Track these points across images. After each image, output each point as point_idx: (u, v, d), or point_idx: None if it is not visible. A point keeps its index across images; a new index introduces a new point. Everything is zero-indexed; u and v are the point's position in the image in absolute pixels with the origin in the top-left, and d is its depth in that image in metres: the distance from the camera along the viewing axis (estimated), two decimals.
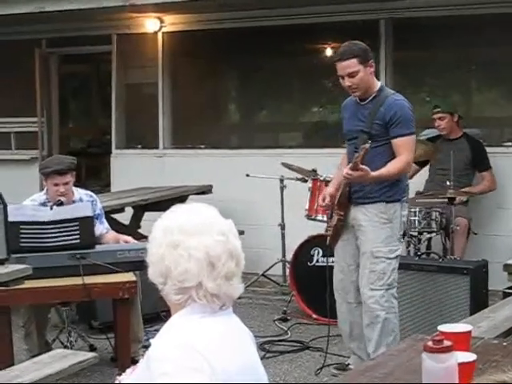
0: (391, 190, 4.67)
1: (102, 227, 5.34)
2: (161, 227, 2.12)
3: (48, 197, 5.19)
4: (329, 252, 5.17)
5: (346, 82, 4.66)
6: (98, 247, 4.99)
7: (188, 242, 2.06)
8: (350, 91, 4.74)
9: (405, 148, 4.63)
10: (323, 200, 4.88)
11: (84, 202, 5.25)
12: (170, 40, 8.55)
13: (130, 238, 5.28)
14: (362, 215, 4.71)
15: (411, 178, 6.68)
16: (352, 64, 4.61)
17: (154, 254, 2.11)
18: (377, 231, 4.66)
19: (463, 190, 6.44)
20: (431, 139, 6.84)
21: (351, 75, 4.62)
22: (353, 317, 4.89)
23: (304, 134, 8.84)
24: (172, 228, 2.09)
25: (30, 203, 5.17)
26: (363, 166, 4.42)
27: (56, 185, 5.10)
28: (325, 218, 5.48)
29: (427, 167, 6.92)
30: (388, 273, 4.67)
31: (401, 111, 4.63)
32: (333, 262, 5.03)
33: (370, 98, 4.71)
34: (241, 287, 2.14)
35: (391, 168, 4.61)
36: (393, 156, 4.65)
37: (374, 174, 4.51)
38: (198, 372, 1.95)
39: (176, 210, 2.17)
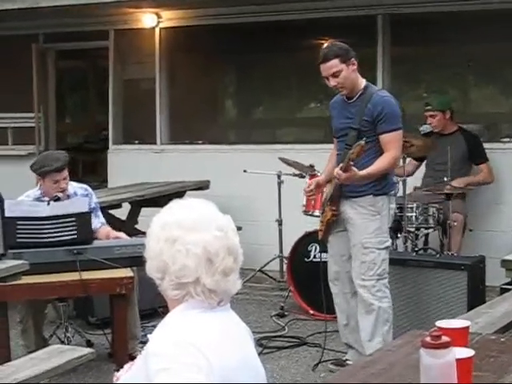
0: (379, 183, 4.75)
1: (96, 221, 5.29)
2: (159, 222, 2.11)
3: (42, 192, 5.16)
4: (326, 248, 5.18)
5: (331, 82, 4.77)
6: (96, 243, 4.98)
7: (186, 238, 2.05)
8: (337, 90, 4.83)
9: (392, 144, 4.71)
10: (308, 186, 4.98)
11: (79, 195, 5.23)
12: (167, 35, 8.53)
13: (121, 234, 5.24)
14: (351, 208, 4.80)
15: (412, 174, 6.69)
16: (334, 64, 4.73)
17: (152, 249, 2.10)
18: (366, 223, 4.75)
19: (461, 179, 6.43)
20: (427, 134, 6.83)
21: (335, 75, 4.74)
22: (349, 307, 4.97)
23: (301, 129, 8.84)
24: (170, 223, 2.09)
25: (25, 199, 5.13)
26: (352, 167, 4.48)
27: (56, 182, 5.07)
28: None
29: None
30: (378, 263, 4.76)
31: (388, 107, 4.71)
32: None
33: (357, 96, 4.80)
34: (238, 283, 2.13)
35: (380, 164, 4.68)
36: (381, 152, 4.71)
37: (362, 173, 4.57)
38: (195, 367, 1.94)
39: (174, 205, 2.16)
